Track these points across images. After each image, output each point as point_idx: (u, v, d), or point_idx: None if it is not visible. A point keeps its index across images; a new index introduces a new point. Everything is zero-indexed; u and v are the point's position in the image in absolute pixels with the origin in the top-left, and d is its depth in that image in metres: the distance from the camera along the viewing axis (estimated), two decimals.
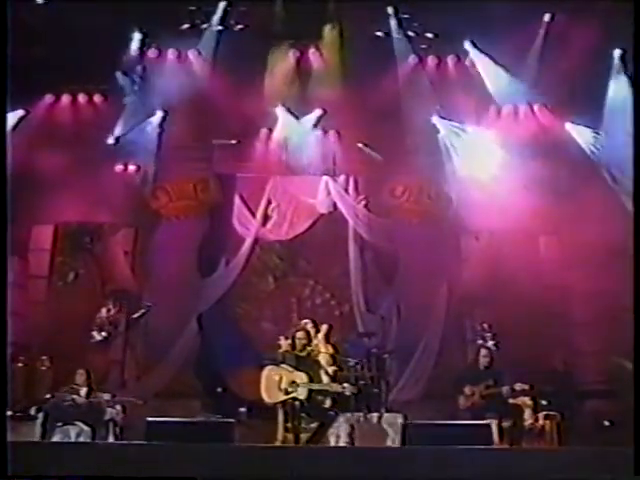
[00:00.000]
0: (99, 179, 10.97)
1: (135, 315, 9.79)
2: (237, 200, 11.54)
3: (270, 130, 11.36)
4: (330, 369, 8.28)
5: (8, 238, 7.57)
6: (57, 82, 10.94)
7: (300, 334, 8.18)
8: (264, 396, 7.95)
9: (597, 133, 11.04)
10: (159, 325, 10.77)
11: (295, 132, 11.35)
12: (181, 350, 10.86)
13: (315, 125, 11.29)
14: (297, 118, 11.26)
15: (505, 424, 8.09)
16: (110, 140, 11.00)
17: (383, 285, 11.49)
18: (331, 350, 8.30)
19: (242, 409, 10.19)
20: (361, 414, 8.73)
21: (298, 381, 7.79)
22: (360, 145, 11.25)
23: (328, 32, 10.42)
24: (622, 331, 10.42)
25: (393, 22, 10.39)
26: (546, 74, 10.68)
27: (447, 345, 10.98)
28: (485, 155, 11.19)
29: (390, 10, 10.41)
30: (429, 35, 10.72)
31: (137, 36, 10.68)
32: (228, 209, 11.53)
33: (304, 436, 7.61)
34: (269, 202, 11.54)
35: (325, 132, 11.38)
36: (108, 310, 10.78)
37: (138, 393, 9.77)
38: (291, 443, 7.47)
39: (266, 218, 11.56)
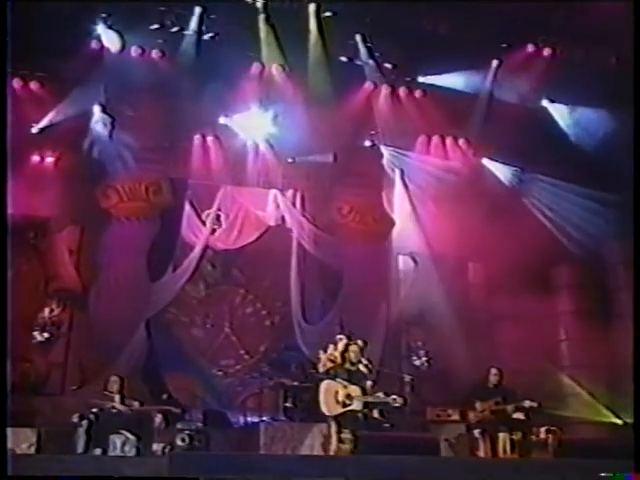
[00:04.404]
0: (35, 171, 10.57)
1: None
2: (187, 206, 11.44)
3: (222, 140, 11.40)
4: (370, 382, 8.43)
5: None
6: None
7: (353, 348, 8.38)
8: (323, 409, 8.07)
9: (516, 169, 12.24)
10: (104, 328, 10.40)
11: (247, 144, 11.45)
12: (129, 354, 10.50)
13: (267, 140, 11.44)
14: (250, 131, 11.37)
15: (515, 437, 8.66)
16: (35, 130, 10.51)
17: (326, 299, 11.80)
18: (366, 363, 8.50)
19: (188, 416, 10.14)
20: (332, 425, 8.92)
21: (353, 394, 8.03)
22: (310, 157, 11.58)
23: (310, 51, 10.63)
24: (545, 350, 11.60)
25: (362, 49, 10.88)
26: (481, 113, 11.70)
27: (387, 361, 11.44)
28: (423, 181, 12.03)
29: (358, 37, 10.91)
30: (387, 65, 11.32)
31: (99, 29, 10.37)
32: (178, 214, 11.39)
33: (349, 447, 7.78)
34: (219, 211, 11.55)
35: (277, 147, 11.53)
36: (51, 310, 10.23)
37: (79, 398, 9.36)
38: (345, 453, 7.65)
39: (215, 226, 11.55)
